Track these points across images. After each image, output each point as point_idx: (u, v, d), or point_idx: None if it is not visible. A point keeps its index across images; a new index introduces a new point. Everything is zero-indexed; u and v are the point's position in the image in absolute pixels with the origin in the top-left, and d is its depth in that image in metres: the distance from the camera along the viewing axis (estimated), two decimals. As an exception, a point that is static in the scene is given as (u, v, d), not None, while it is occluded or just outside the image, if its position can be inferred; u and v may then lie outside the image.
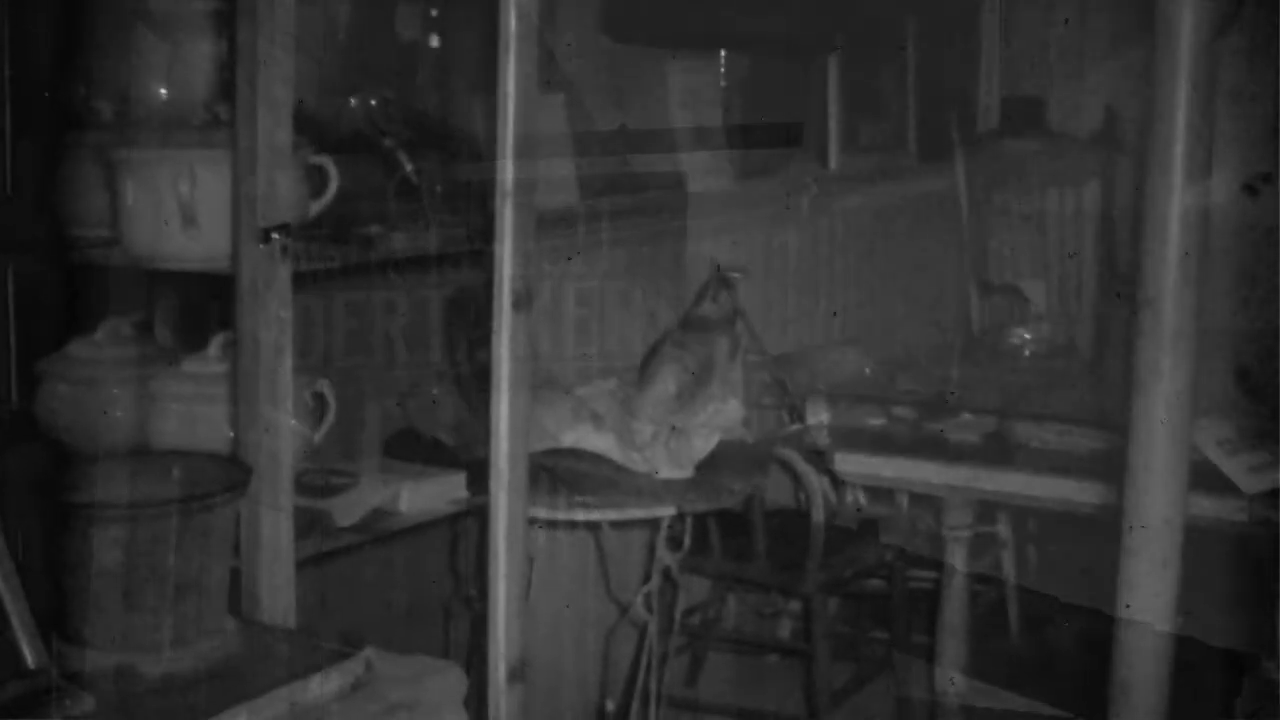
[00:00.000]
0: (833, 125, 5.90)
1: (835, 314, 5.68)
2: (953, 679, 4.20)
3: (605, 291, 4.63)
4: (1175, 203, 1.96)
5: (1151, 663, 2.04)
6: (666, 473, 3.77)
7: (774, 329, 5.31)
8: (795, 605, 5.05)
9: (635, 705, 4.00)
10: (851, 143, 6.01)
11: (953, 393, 4.48)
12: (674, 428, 3.78)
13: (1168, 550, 2.00)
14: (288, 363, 2.95)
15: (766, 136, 5.61)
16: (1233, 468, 3.59)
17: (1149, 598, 2.02)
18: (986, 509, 5.06)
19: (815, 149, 5.89)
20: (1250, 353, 4.61)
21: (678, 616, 4.50)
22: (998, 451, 3.96)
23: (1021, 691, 4.89)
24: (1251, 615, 4.17)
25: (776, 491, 4.92)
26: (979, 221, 6.15)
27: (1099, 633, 2.12)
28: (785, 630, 5.17)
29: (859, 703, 4.87)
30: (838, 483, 4.58)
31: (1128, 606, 2.04)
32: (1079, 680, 2.31)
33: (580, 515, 3.64)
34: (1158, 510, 2.00)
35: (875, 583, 4.92)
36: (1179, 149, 1.96)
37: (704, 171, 5.12)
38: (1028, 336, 4.94)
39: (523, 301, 2.97)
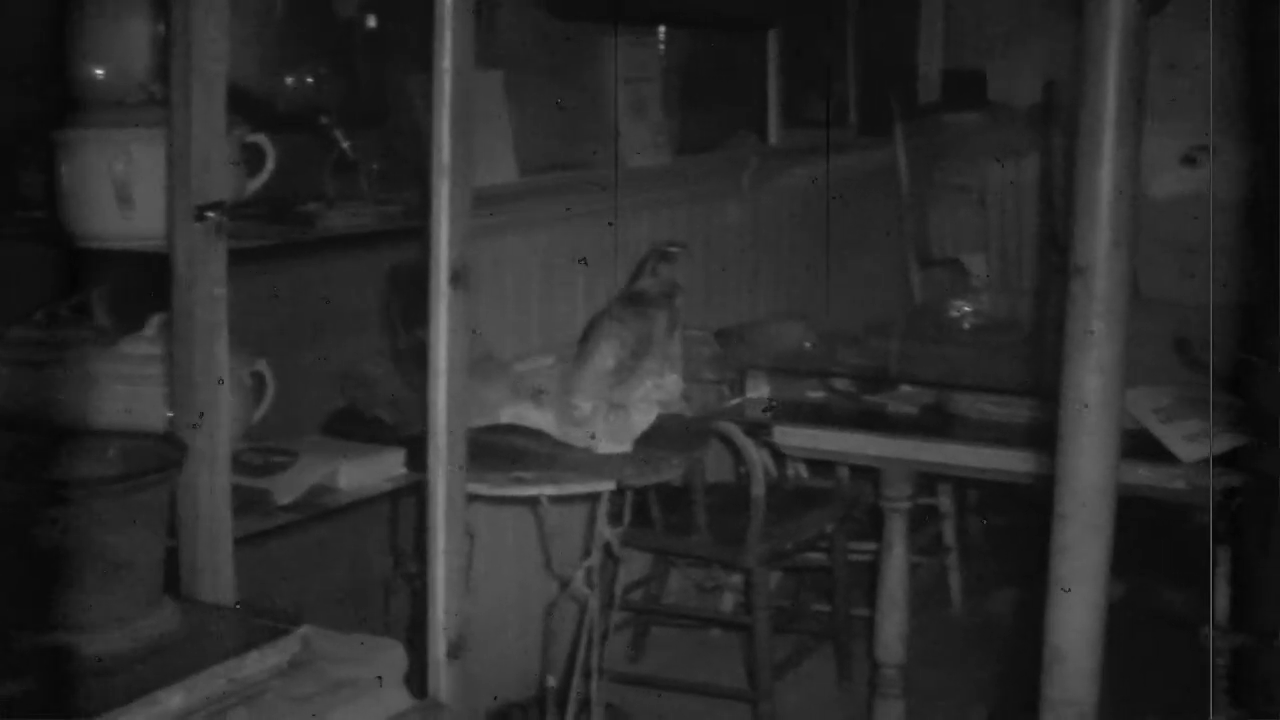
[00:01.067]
0: (773, 100, 5.90)
1: (776, 288, 5.69)
2: (893, 650, 4.21)
3: (545, 267, 4.63)
4: (1105, 171, 1.96)
5: (1084, 629, 2.05)
6: (605, 447, 3.77)
7: (715, 303, 5.32)
8: (737, 579, 5.06)
9: (576, 680, 4.01)
10: (792, 117, 6.01)
11: (893, 366, 4.49)
12: (613, 403, 3.78)
13: (1099, 516, 2.01)
14: (223, 341, 2.94)
15: (707, 112, 5.62)
16: (1169, 436, 3.61)
17: (1081, 564, 2.02)
18: (927, 481, 5.09)
19: (756, 124, 5.89)
20: (1189, 323, 4.64)
21: (619, 591, 4.51)
22: (936, 423, 3.96)
23: (963, 662, 4.92)
24: (1189, 582, 4.22)
25: (717, 465, 4.94)
26: (919, 195, 6.16)
27: (1040, 602, 2.13)
28: (727, 604, 5.18)
29: (800, 675, 4.89)
30: (778, 456, 4.60)
31: (1060, 573, 2.04)
32: (1020, 650, 2.32)
33: (519, 491, 3.64)
34: (1089, 477, 2.00)
35: (816, 556, 4.94)
36: (1109, 117, 1.96)
37: (644, 147, 5.12)
38: (968, 309, 4.94)
39: (461, 278, 2.96)
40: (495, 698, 4.39)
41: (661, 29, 5.31)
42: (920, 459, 3.94)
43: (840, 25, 6.38)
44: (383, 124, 4.09)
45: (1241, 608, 3.75)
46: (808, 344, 4.55)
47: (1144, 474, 3.60)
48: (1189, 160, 6.37)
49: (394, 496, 3.83)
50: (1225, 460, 3.62)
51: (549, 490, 3.65)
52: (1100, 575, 2.05)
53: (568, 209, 4.68)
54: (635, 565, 4.78)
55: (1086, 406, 1.99)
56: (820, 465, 4.78)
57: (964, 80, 6.72)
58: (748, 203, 5.62)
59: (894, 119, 6.12)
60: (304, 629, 2.78)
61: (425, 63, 2.93)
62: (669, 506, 4.42)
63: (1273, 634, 3.40)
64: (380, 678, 3.02)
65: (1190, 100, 6.38)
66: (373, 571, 4.10)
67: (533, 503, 3.90)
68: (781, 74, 5.91)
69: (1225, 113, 6.37)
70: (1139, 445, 3.64)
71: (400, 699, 3.06)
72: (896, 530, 4.13)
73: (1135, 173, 1.99)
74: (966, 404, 3.97)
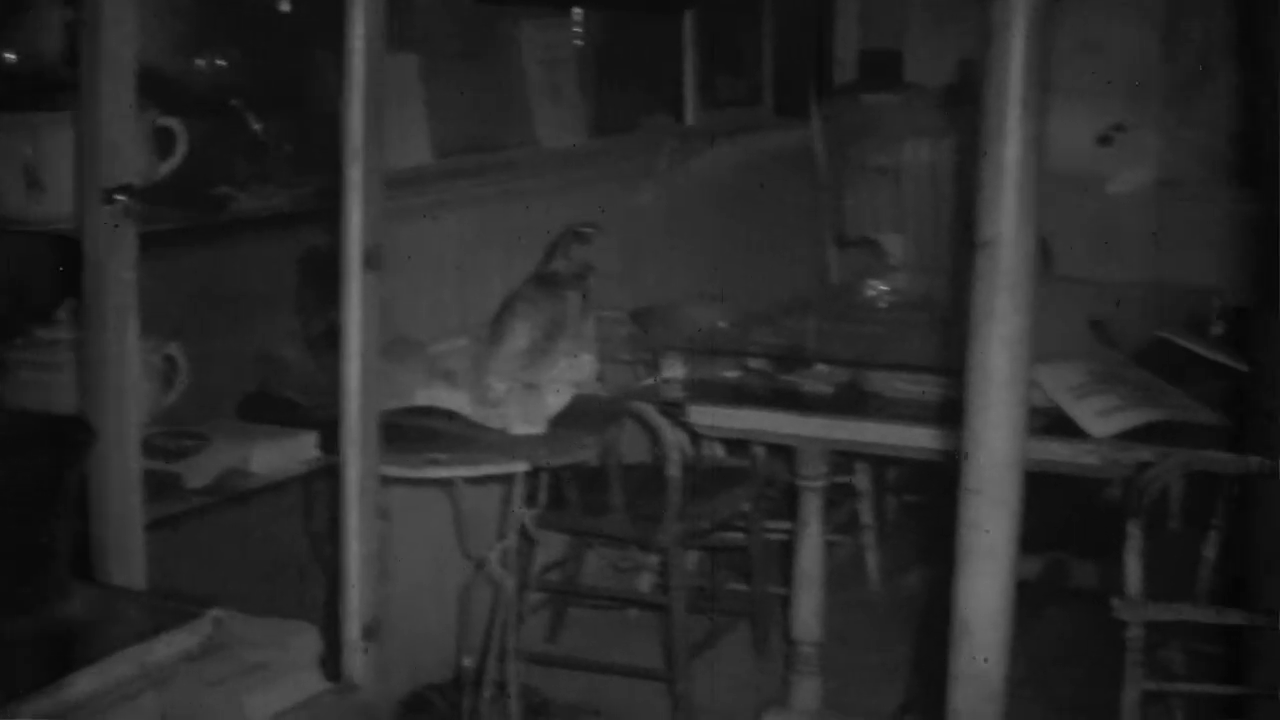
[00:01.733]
0: (689, 81, 5.90)
1: (693, 269, 5.69)
2: (810, 628, 4.23)
3: (460, 249, 4.62)
4: (1011, 146, 1.97)
5: (992, 602, 2.05)
6: (519, 428, 3.77)
7: (631, 284, 5.31)
8: (653, 559, 5.07)
9: (492, 662, 4.00)
10: (708, 98, 6.01)
11: (809, 345, 4.50)
12: (526, 384, 3.78)
13: (1007, 491, 2.01)
14: (134, 325, 2.93)
15: (623, 93, 5.61)
16: (1081, 412, 3.63)
17: (989, 538, 2.03)
18: (843, 459, 5.10)
19: (672, 105, 5.89)
20: (1105, 301, 4.68)
21: (534, 572, 4.51)
22: (850, 401, 3.98)
23: (880, 639, 4.94)
24: (1103, 556, 4.25)
25: (634, 446, 4.94)
26: (836, 175, 6.18)
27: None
28: (644, 584, 5.19)
29: (717, 654, 4.91)
30: (695, 436, 4.60)
31: (968, 547, 2.05)
32: (936, 627, 2.33)
33: (434, 473, 3.63)
34: (997, 451, 2.01)
35: (733, 535, 4.95)
36: (1014, 94, 1.98)
37: (559, 128, 5.12)
38: (884, 288, 4.97)
39: (374, 260, 2.95)
40: (412, 680, 4.39)
41: (577, 11, 5.30)
42: (834, 437, 3.95)
43: (756, 6, 6.38)
44: (296, 106, 4.06)
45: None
46: (723, 324, 4.56)
47: (1057, 450, 3.63)
48: (1104, 140, 6.41)
49: (307, 480, 3.82)
50: (1137, 435, 3.65)
51: (463, 472, 3.65)
52: (1008, 549, 2.05)
53: (483, 191, 4.67)
54: (552, 546, 4.78)
55: (993, 380, 2.00)
56: (736, 445, 4.79)
57: (880, 61, 6.73)
58: (664, 184, 5.61)
59: (810, 100, 6.13)
60: (215, 612, 2.77)
61: (338, 45, 2.92)
62: (585, 487, 4.42)
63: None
64: (294, 662, 3.02)
65: (1106, 80, 6.43)
66: (287, 555, 4.08)
67: (448, 484, 3.90)
68: (698, 55, 5.91)
69: (1140, 93, 6.42)
70: (1053, 422, 3.67)
71: (314, 682, 3.05)
72: (812, 508, 4.14)
73: (1040, 148, 2.00)
74: (881, 382, 3.99)
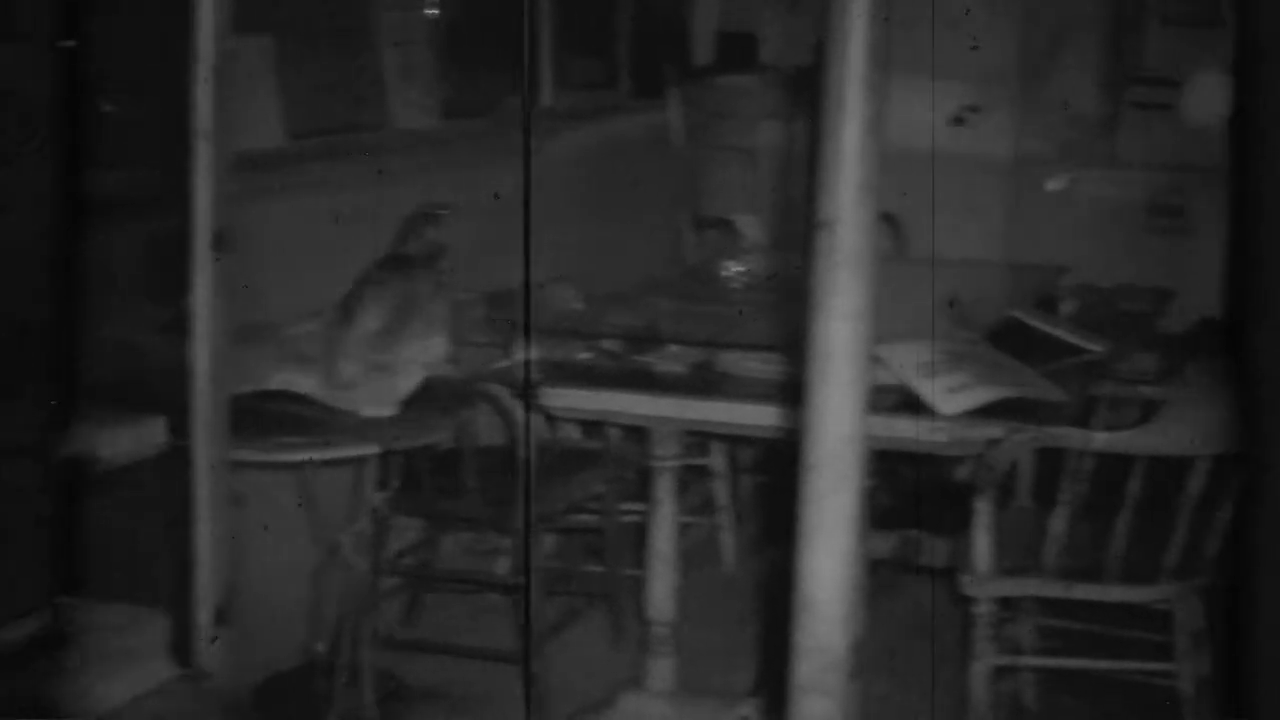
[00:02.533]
0: (545, 62, 5.89)
1: (550, 250, 5.68)
2: (664, 609, 4.24)
3: (313, 230, 4.59)
4: (849, 127, 1.99)
5: (834, 577, 2.08)
6: (370, 411, 3.76)
7: (488, 266, 5.30)
8: (509, 542, 5.06)
9: (345, 647, 3.99)
10: (565, 79, 6.01)
11: (664, 326, 4.50)
12: (377, 365, 3.76)
13: (847, 467, 2.04)
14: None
15: (479, 75, 5.59)
16: (929, 390, 3.66)
17: (829, 514, 2.05)
18: (699, 440, 5.12)
19: (528, 86, 5.88)
20: (956, 279, 4.72)
21: (388, 556, 4.49)
22: (703, 382, 3.99)
23: (735, 619, 4.96)
24: (954, 533, 4.29)
25: (489, 429, 4.93)
26: (693, 157, 6.19)
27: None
28: (501, 567, 5.18)
29: (573, 636, 4.91)
30: (550, 418, 4.60)
31: (810, 523, 2.07)
32: (785, 605, 2.35)
33: (285, 456, 3.61)
34: (836, 428, 2.03)
35: (588, 517, 4.95)
36: (853, 75, 1.99)
37: (414, 110, 5.10)
38: (739, 269, 4.98)
39: (223, 242, 2.93)
40: (266, 667, 4.36)
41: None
42: (686, 417, 3.96)
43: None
44: (143, 89, 4.03)
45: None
46: (577, 305, 4.56)
47: (905, 428, 3.65)
48: (958, 120, 6.46)
49: (156, 463, 3.78)
50: (986, 413, 3.68)
51: (314, 455, 3.63)
52: (848, 524, 2.07)
53: (336, 173, 4.65)
54: (408, 530, 4.76)
55: (832, 357, 2.02)
56: (591, 426, 4.79)
57: (737, 43, 6.75)
58: (520, 164, 5.60)
59: (667, 82, 6.14)
60: (63, 600, 2.74)
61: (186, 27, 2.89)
62: (438, 470, 4.40)
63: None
64: (143, 648, 2.99)
65: (960, 60, 6.48)
66: (137, 540, 4.04)
67: (300, 468, 3.87)
68: (554, 36, 5.90)
69: (997, 73, 6.48)
70: (902, 400, 3.70)
71: (164, 668, 3.02)
72: (665, 489, 4.15)
73: (879, 129, 2.02)
74: (733, 362, 4.00)
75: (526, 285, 4.74)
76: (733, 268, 4.97)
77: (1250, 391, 3.07)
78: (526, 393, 4.21)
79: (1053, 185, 6.38)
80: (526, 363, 4.16)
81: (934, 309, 4.34)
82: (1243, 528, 3.84)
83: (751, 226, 5.95)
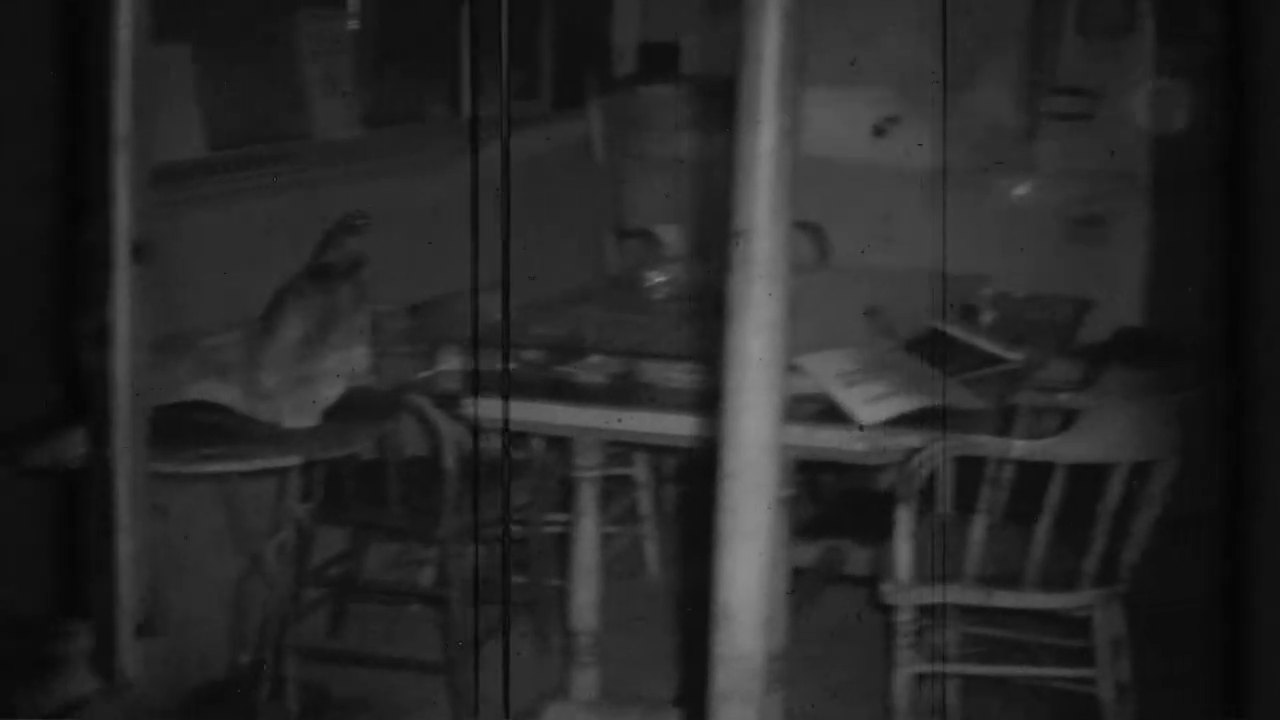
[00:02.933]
0: (467, 72, 5.89)
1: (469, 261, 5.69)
2: (587, 618, 4.25)
3: (234, 241, 4.58)
4: (764, 136, 2.00)
5: (752, 585, 2.09)
6: (291, 421, 3.75)
7: (413, 276, 5.30)
8: (433, 552, 5.05)
9: (269, 657, 3.98)
10: (487, 89, 6.01)
11: (586, 336, 4.51)
12: (298, 376, 3.76)
13: (764, 475, 2.05)
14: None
15: (401, 84, 5.59)
16: (850, 399, 3.68)
17: (747, 522, 2.06)
18: (623, 451, 5.13)
19: (450, 96, 5.88)
20: (881, 290, 4.75)
21: (313, 567, 4.49)
22: (624, 391, 4.00)
23: (659, 629, 4.98)
24: (872, 541, 4.31)
25: (413, 439, 4.92)
26: (615, 167, 6.20)
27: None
28: (427, 578, 5.17)
29: (498, 646, 4.91)
30: (474, 428, 4.60)
31: (727, 531, 2.08)
32: (706, 613, 2.36)
33: (207, 467, 3.61)
34: (753, 437, 2.05)
35: (513, 527, 4.95)
36: (767, 87, 2.00)
37: (336, 120, 5.09)
38: (662, 279, 5.00)
39: (143, 253, 2.92)
40: (190, 678, 4.34)
41: (353, 1, 5.28)
42: (608, 427, 3.97)
43: (535, -1, 6.41)
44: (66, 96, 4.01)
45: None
46: (499, 316, 4.56)
47: (826, 437, 3.67)
48: (879, 131, 6.50)
49: (78, 476, 3.76)
50: (907, 422, 3.70)
51: (235, 466, 3.62)
52: (766, 532, 2.09)
53: (257, 183, 4.64)
54: (334, 541, 4.75)
55: (748, 366, 2.03)
56: (515, 437, 4.79)
57: (659, 53, 6.77)
58: (443, 174, 5.60)
59: (589, 92, 6.15)
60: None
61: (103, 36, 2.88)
62: (362, 481, 4.40)
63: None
64: (64, 661, 2.98)
65: (881, 71, 6.52)
66: (58, 553, 4.02)
67: (222, 479, 3.87)
68: (476, 46, 5.90)
69: (916, 83, 6.52)
70: (822, 410, 3.71)
71: (86, 681, 3.01)
72: (588, 499, 4.16)
73: (794, 139, 2.03)
74: (655, 372, 4.01)
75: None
76: (655, 278, 4.98)
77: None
78: (449, 403, 4.21)
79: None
80: (450, 373, 4.16)
81: (855, 318, 4.37)
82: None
83: (673, 236, 5.97)
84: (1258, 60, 3.05)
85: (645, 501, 5.48)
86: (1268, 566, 3.41)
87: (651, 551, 5.53)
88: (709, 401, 3.84)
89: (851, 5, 6.55)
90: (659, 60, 6.74)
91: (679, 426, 3.83)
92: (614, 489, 5.41)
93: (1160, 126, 6.56)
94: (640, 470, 5.44)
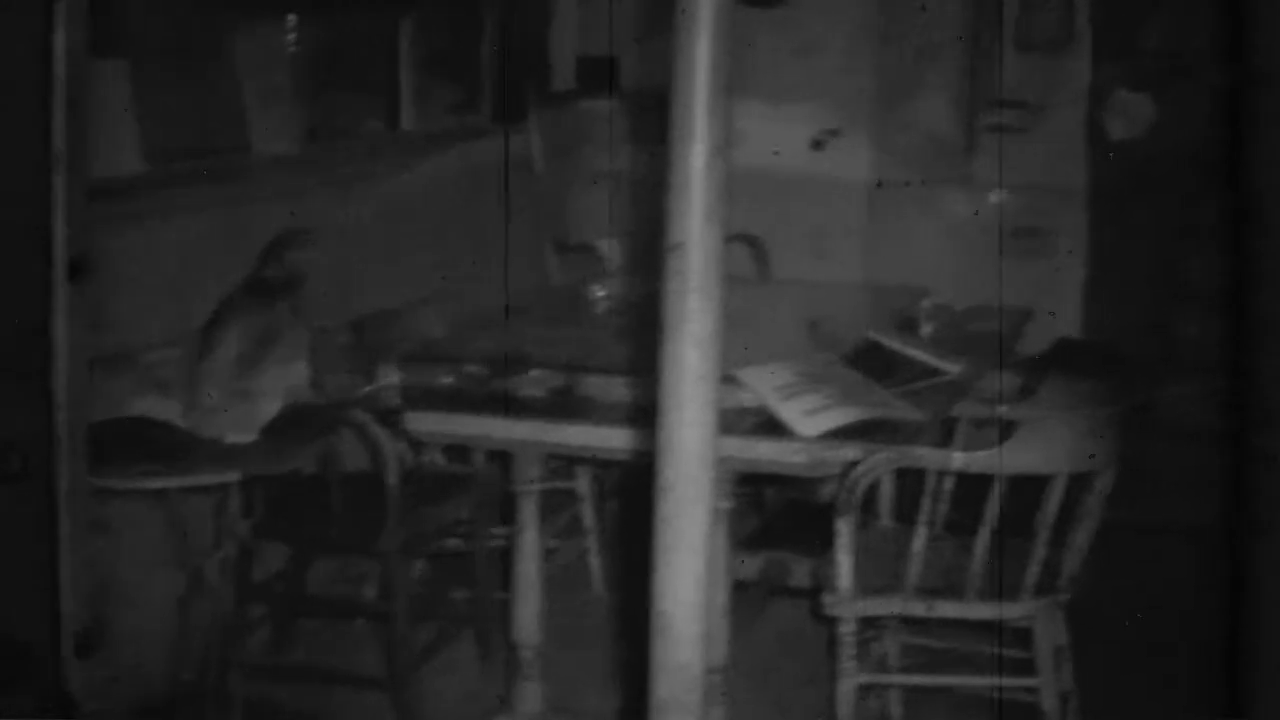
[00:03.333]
0: (406, 86, 5.90)
1: (415, 274, 5.69)
2: (530, 632, 4.25)
3: (174, 256, 4.57)
4: (697, 151, 2.01)
5: (689, 595, 2.10)
6: (232, 437, 3.75)
7: (354, 291, 5.30)
8: (377, 567, 5.05)
9: (213, 673, 3.97)
10: (425, 104, 6.01)
11: (527, 350, 4.52)
12: (238, 392, 3.76)
13: (700, 488, 2.06)
14: None
15: (340, 99, 5.59)
16: (789, 412, 3.69)
17: (684, 534, 2.07)
18: (565, 464, 5.14)
19: (390, 111, 5.89)
20: (819, 301, 4.77)
21: (254, 582, 4.48)
22: (563, 405, 4.00)
23: (603, 643, 4.98)
24: (814, 553, 4.33)
25: (356, 455, 4.92)
26: (555, 181, 6.21)
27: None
28: (370, 593, 5.16)
29: (443, 661, 4.91)
30: (415, 443, 4.60)
31: (664, 542, 2.09)
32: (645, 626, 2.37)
33: (147, 483, 3.60)
34: (689, 448, 2.06)
35: (456, 542, 4.96)
36: (700, 100, 2.02)
37: (274, 135, 5.09)
38: (602, 293, 5.01)
39: (81, 270, 2.92)
40: (133, 696, 4.33)
41: (291, 17, 5.27)
42: (548, 440, 3.97)
43: (475, 13, 6.40)
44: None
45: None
46: (440, 331, 4.56)
47: (765, 450, 3.68)
48: (818, 144, 6.53)
49: (18, 491, 3.75)
50: (847, 434, 3.71)
51: (176, 482, 3.62)
52: (702, 544, 2.10)
53: (196, 198, 4.63)
54: (278, 556, 4.75)
55: (684, 379, 2.04)
56: (458, 451, 4.80)
57: (597, 67, 6.78)
58: (383, 189, 5.60)
59: (529, 106, 6.15)
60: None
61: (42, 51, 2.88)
62: (304, 496, 4.40)
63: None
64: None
65: (819, 85, 6.55)
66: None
67: (163, 495, 3.86)
68: (414, 61, 5.91)
69: (855, 97, 6.56)
70: (762, 422, 3.72)
71: (26, 702, 3.00)
72: (529, 513, 4.17)
73: (726, 152, 2.04)
74: (595, 386, 4.02)
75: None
76: (595, 291, 4.99)
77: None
78: (390, 418, 4.21)
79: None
80: (390, 388, 4.15)
81: (795, 331, 4.39)
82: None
83: (613, 250, 5.99)
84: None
85: (588, 515, 5.49)
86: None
87: (595, 564, 5.54)
88: (647, 414, 3.86)
89: (790, 21, 6.58)
90: (598, 75, 6.75)
91: (618, 440, 3.84)
92: (557, 502, 5.42)
93: (1099, 139, 6.61)
94: (583, 484, 5.44)
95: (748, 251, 5.98)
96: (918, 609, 3.98)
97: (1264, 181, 3.00)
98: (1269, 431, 3.14)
